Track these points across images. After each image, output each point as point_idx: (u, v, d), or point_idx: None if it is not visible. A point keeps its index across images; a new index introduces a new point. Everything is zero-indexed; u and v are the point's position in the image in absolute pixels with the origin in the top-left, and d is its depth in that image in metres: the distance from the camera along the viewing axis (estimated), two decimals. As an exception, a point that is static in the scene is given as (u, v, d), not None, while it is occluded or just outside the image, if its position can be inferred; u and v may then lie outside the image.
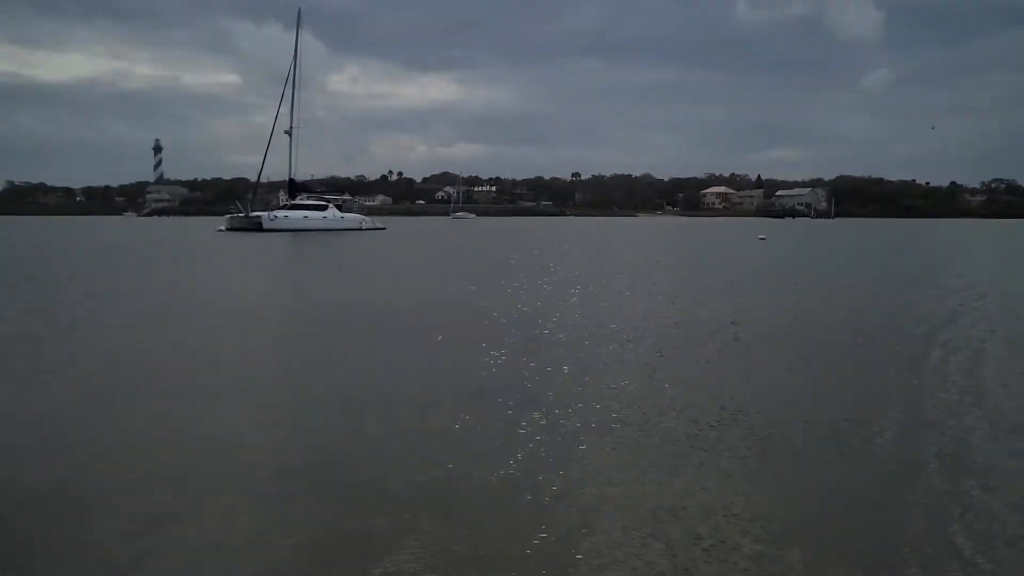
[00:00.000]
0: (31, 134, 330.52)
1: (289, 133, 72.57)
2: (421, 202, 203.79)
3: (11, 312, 15.72)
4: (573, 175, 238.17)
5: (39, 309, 16.15)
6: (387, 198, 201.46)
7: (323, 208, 72.91)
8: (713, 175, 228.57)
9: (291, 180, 75.54)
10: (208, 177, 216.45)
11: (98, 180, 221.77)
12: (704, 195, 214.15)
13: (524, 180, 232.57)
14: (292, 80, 72.03)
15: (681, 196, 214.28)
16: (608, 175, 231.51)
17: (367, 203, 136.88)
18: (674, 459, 6.67)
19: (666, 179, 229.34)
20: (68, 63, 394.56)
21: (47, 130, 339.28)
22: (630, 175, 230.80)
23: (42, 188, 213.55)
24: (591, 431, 7.44)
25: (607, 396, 8.75)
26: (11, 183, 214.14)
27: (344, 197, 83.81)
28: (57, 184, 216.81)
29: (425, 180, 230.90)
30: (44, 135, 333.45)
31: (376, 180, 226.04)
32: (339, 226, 71.51)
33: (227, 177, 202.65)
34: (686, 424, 7.68)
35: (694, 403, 8.49)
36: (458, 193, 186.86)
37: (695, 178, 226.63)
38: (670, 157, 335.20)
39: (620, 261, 33.78)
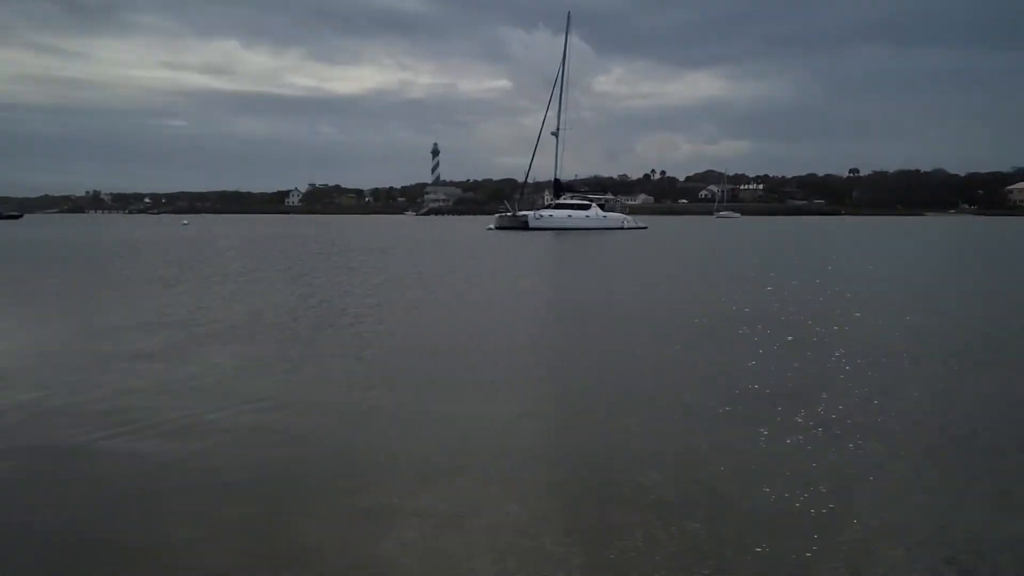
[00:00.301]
0: (330, 141, 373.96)
1: (556, 134, 74.99)
2: (684, 201, 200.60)
3: (315, 300, 17.72)
4: (851, 171, 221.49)
5: (332, 299, 18.06)
6: (649, 197, 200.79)
7: (586, 207, 74.36)
8: (1021, 169, 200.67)
9: (556, 180, 77.95)
10: (479, 178, 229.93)
11: (384, 181, 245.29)
12: (1009, 191, 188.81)
13: (794, 177, 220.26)
14: (560, 83, 74.32)
15: (980, 193, 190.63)
16: (892, 171, 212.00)
17: (629, 202, 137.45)
18: (968, 486, 5.93)
19: (962, 174, 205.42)
20: (361, 76, 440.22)
21: (343, 137, 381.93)
22: (918, 170, 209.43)
23: (337, 189, 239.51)
24: (868, 447, 6.83)
25: (889, 411, 8.00)
26: (313, 185, 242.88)
27: (607, 196, 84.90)
28: (349, 185, 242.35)
29: (688, 179, 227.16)
30: (340, 142, 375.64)
31: (638, 179, 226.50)
32: (601, 225, 72.55)
33: (496, 178, 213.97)
34: (985, 449, 6.81)
35: (998, 427, 7.50)
36: (722, 192, 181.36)
37: (998, 172, 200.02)
38: (967, 150, 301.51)
39: (906, 263, 30.82)
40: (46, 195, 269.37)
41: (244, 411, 8.10)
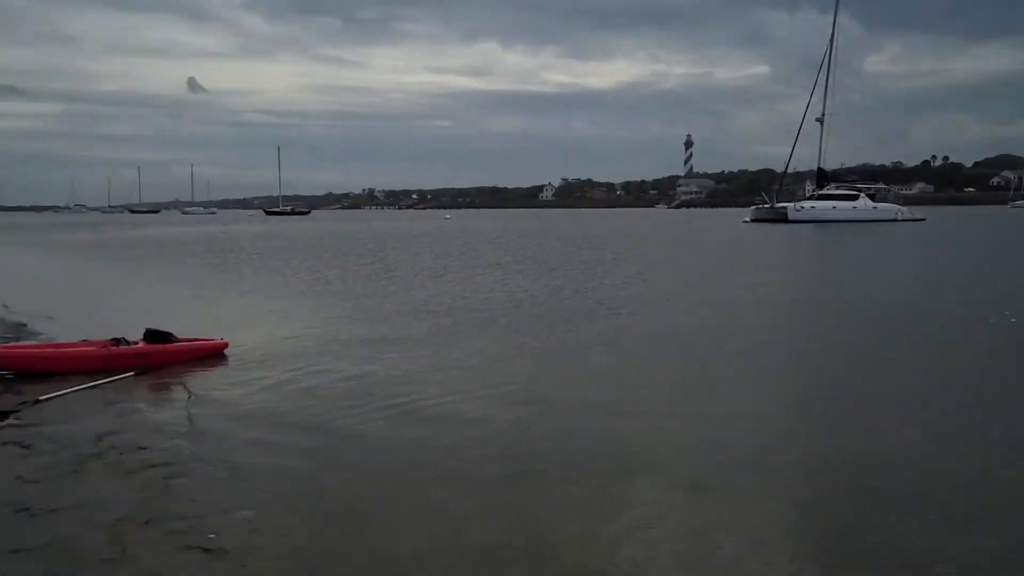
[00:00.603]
0: (582, 136, 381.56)
1: (820, 121, 70.44)
2: (970, 190, 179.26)
3: (569, 292, 18.05)
4: None
5: (587, 291, 18.26)
6: (927, 186, 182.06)
7: (853, 198, 69.06)
8: None
9: (819, 169, 73.16)
10: (734, 169, 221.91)
11: (635, 175, 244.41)
12: None
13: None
14: (826, 65, 69.53)
15: None
16: None
17: (903, 192, 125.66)
18: None
19: None
20: (614, 70, 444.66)
21: (594, 131, 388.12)
22: None
23: (589, 184, 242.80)
24: None
25: None
26: (565, 179, 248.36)
27: (877, 186, 77.85)
28: (601, 179, 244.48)
29: (976, 164, 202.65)
30: (592, 136, 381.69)
31: (915, 167, 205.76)
32: (870, 217, 66.90)
33: (752, 168, 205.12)
34: None
35: None
36: (1019, 178, 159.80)
37: None
38: None
39: None
40: (329, 193, 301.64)
41: (504, 397, 8.41)
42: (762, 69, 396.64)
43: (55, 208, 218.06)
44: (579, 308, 15.13)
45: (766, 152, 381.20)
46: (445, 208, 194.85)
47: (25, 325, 13.02)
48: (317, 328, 13.12)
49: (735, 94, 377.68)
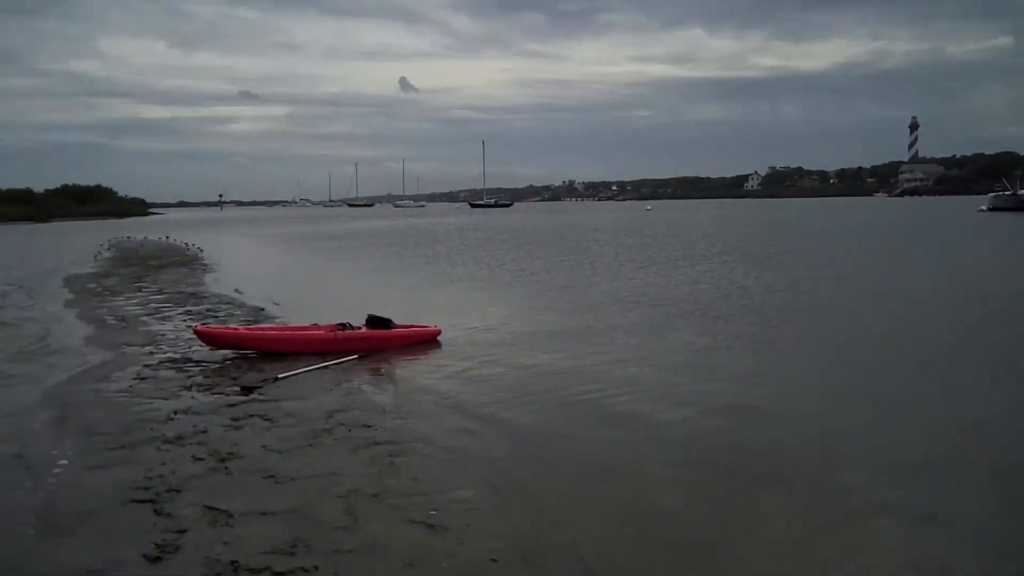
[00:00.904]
0: (792, 121, 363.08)
1: (1076, 95, 62.05)
2: None
3: (781, 284, 17.18)
4: None
5: (800, 283, 17.29)
6: None
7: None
8: None
9: (1075, 150, 64.55)
10: (967, 153, 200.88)
11: (850, 162, 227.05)
12: None
13: None
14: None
15: None
16: None
17: None
18: None
19: None
20: (828, 50, 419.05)
21: (805, 116, 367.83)
22: None
23: (799, 172, 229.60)
24: None
25: None
26: (772, 168, 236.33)
27: None
28: (813, 167, 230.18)
29: None
30: (802, 121, 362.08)
31: None
32: None
33: (990, 152, 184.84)
34: None
35: None
36: None
37: None
38: None
39: None
40: (530, 185, 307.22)
41: (707, 394, 8.16)
42: (1004, 40, 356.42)
43: (283, 203, 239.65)
44: (789, 303, 14.38)
45: (1006, 133, 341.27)
46: (644, 199, 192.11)
47: (263, 310, 14.33)
48: (524, 317, 13.39)
49: (970, 70, 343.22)
